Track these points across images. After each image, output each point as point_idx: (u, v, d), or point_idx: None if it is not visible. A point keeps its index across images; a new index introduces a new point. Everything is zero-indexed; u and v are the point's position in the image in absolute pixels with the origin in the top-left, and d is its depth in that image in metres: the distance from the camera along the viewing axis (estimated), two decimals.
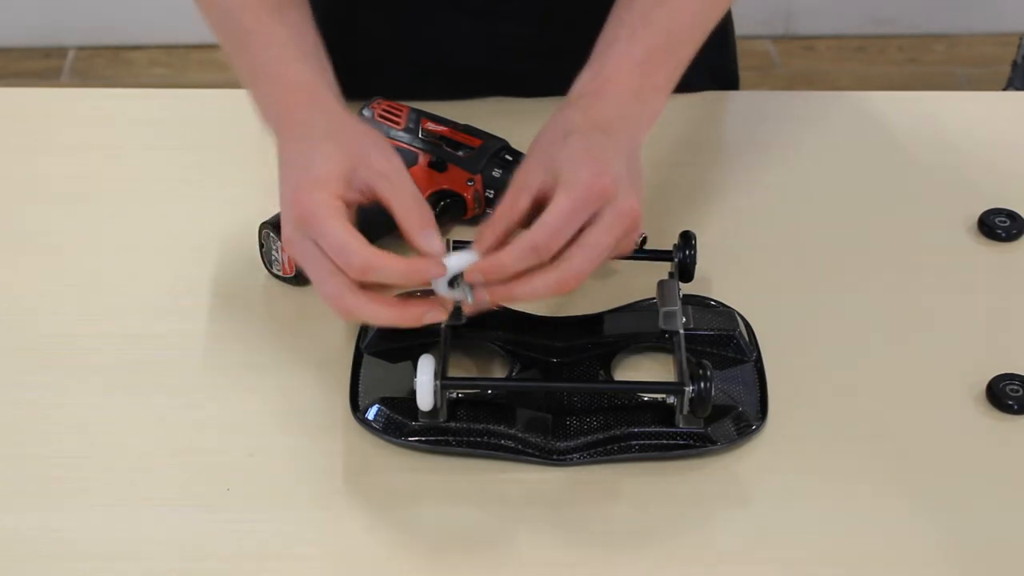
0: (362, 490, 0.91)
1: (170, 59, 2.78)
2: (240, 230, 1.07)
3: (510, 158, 1.07)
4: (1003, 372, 0.97)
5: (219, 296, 1.04)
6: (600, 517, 0.90)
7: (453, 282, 0.89)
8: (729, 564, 0.87)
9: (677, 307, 0.97)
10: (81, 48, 2.80)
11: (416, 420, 0.92)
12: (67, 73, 2.75)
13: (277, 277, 1.05)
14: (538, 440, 0.92)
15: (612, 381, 0.98)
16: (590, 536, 0.88)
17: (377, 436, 0.93)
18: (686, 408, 0.91)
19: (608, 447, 0.92)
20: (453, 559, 0.87)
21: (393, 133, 1.10)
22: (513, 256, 0.87)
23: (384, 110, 1.12)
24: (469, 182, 1.08)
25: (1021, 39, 2.36)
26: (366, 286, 0.88)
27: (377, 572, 0.87)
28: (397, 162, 0.92)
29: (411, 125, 1.11)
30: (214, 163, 1.16)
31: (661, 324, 0.97)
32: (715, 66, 1.28)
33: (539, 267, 0.88)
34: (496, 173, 1.05)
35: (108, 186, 1.15)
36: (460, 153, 1.09)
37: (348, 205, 0.90)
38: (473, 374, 0.99)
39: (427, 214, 0.89)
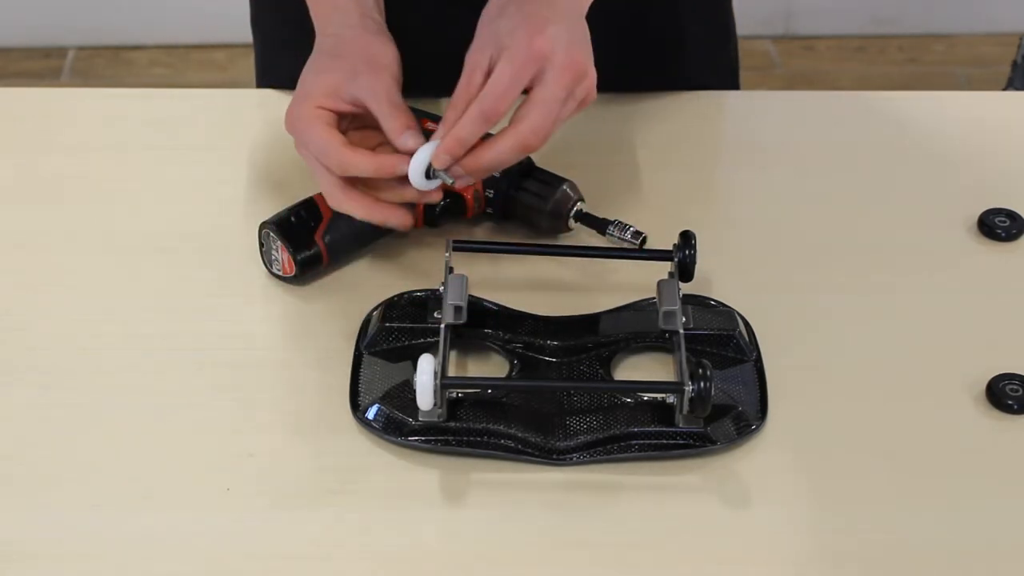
0: (362, 490, 0.91)
1: (170, 59, 2.78)
2: (240, 230, 1.07)
3: None
4: (1003, 372, 0.97)
5: (219, 296, 1.04)
6: (600, 517, 0.90)
7: (429, 174, 0.97)
8: (729, 564, 0.87)
9: (677, 307, 0.97)
10: (81, 48, 2.80)
11: (416, 420, 0.93)
12: (67, 73, 2.75)
13: (277, 277, 1.05)
14: (538, 440, 0.92)
15: (612, 380, 0.98)
16: (590, 536, 0.88)
17: (377, 436, 0.93)
18: (686, 408, 0.91)
19: (608, 447, 0.92)
20: (453, 559, 0.87)
21: None
22: (466, 127, 0.95)
23: None
24: None
25: (1021, 39, 2.36)
26: (359, 185, 0.99)
27: (377, 572, 0.87)
28: (388, 77, 1.00)
29: None
30: (214, 163, 1.16)
31: (661, 324, 0.97)
32: (718, 64, 1.28)
33: (502, 133, 0.96)
34: (496, 173, 1.05)
35: (108, 186, 1.15)
36: None
37: (338, 114, 0.99)
38: (473, 374, 0.99)
39: (407, 117, 0.98)
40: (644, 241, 1.07)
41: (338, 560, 0.87)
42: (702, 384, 0.90)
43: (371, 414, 0.94)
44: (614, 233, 1.07)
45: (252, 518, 0.89)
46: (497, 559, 0.87)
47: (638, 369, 1.00)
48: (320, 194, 1.02)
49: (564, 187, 1.07)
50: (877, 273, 1.07)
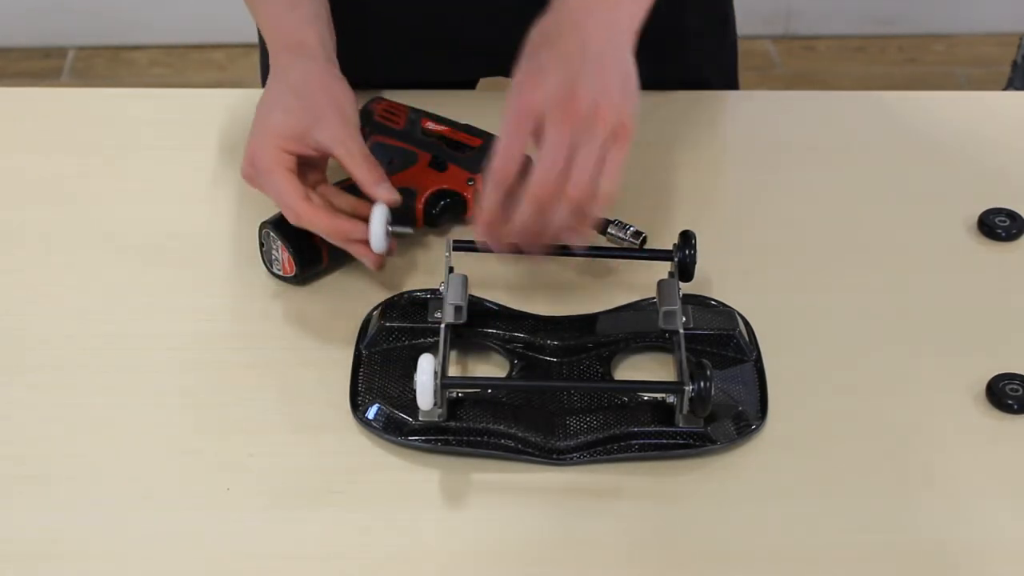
0: (362, 490, 0.91)
1: (170, 59, 2.78)
2: (240, 230, 1.07)
3: None
4: (1003, 372, 0.97)
5: (219, 296, 1.04)
6: (600, 516, 0.90)
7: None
8: (730, 563, 0.87)
9: (677, 306, 0.97)
10: (81, 48, 2.80)
11: (416, 419, 0.93)
12: (67, 73, 2.75)
13: (277, 277, 1.05)
14: (538, 440, 0.92)
15: (612, 380, 0.98)
16: (591, 536, 0.88)
17: (377, 436, 0.93)
18: (686, 407, 0.91)
19: (608, 447, 0.92)
20: (453, 559, 0.87)
21: (393, 132, 1.10)
22: (486, 201, 0.95)
23: (384, 110, 1.12)
24: (469, 182, 1.08)
25: (1021, 39, 2.36)
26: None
27: (377, 572, 0.87)
28: (352, 125, 1.01)
29: (411, 124, 1.11)
30: (214, 163, 1.16)
31: (661, 323, 0.97)
32: (718, 57, 1.28)
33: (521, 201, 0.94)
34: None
35: (108, 186, 1.15)
36: (460, 152, 1.09)
37: (298, 157, 1.00)
38: (473, 374, 0.99)
39: (379, 170, 1.01)
40: (644, 241, 1.07)
41: (338, 560, 0.87)
42: (702, 384, 0.90)
43: (371, 414, 0.94)
44: (614, 233, 1.07)
45: (252, 518, 0.89)
46: (497, 559, 0.87)
47: (638, 369, 1.00)
48: None
49: None
50: (877, 273, 1.07)
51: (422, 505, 0.90)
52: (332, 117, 1.00)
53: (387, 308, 1.01)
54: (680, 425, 0.92)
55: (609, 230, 1.07)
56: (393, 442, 0.92)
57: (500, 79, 1.30)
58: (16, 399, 0.96)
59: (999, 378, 0.97)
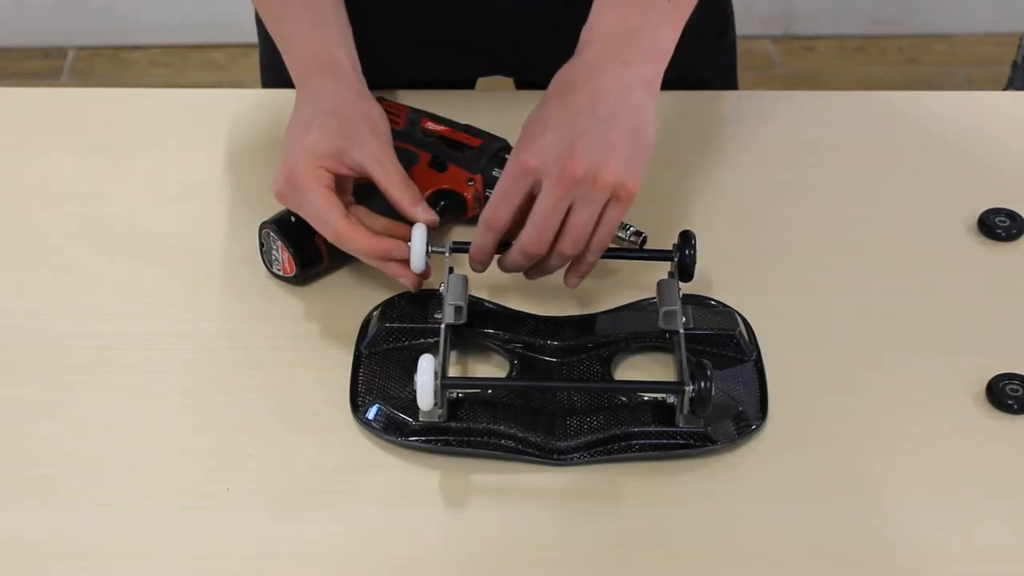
0: (362, 490, 0.91)
1: (170, 59, 2.78)
2: (240, 230, 1.07)
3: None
4: (1003, 372, 0.97)
5: (219, 296, 1.04)
6: (601, 517, 0.90)
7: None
8: (731, 563, 0.87)
9: (677, 307, 0.97)
10: (81, 48, 2.80)
11: (416, 420, 0.92)
12: (67, 73, 2.75)
13: (277, 277, 1.05)
14: (538, 440, 0.92)
15: (613, 381, 0.98)
16: (591, 536, 0.88)
17: (377, 436, 0.93)
18: (686, 408, 0.91)
19: (608, 447, 0.92)
20: (454, 560, 0.87)
21: (393, 133, 1.10)
22: (478, 242, 0.99)
23: (384, 109, 1.12)
24: (469, 182, 1.08)
25: (1021, 39, 2.36)
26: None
27: (377, 572, 0.87)
28: (389, 146, 1.01)
29: (411, 125, 1.11)
30: (214, 163, 1.16)
31: (661, 324, 0.97)
32: (717, 55, 1.28)
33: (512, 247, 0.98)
34: (496, 173, 1.05)
35: (108, 186, 1.15)
36: (460, 152, 1.09)
37: (336, 176, 0.99)
38: (473, 374, 0.99)
39: (416, 191, 1.00)
40: (644, 241, 1.07)
41: (338, 560, 0.87)
42: (703, 384, 0.90)
43: (371, 414, 0.94)
44: (614, 232, 1.07)
45: (252, 518, 0.89)
46: (498, 559, 0.87)
47: (638, 369, 1.00)
48: None
49: None
50: (877, 273, 1.07)
51: (422, 505, 0.90)
52: (368, 137, 0.99)
53: (387, 309, 1.01)
54: (680, 425, 0.92)
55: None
56: (393, 442, 0.92)
57: (500, 78, 1.31)
58: (16, 399, 0.96)
59: (999, 378, 0.97)
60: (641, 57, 0.97)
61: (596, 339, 1.00)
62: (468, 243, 1.00)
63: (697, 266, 1.00)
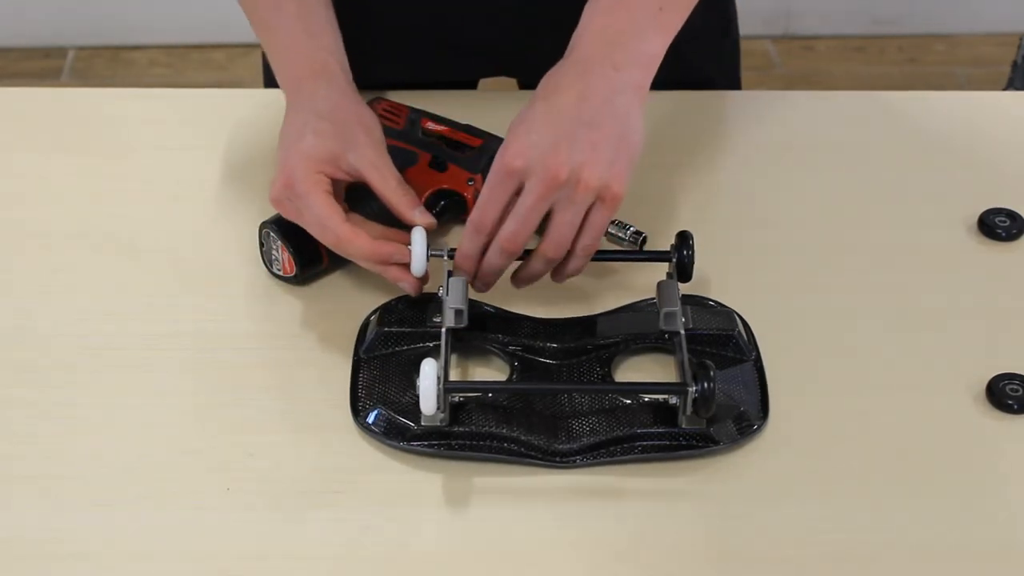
0: (363, 490, 0.91)
1: (170, 59, 2.78)
2: (240, 230, 1.07)
3: None
4: (1003, 372, 0.97)
5: (219, 296, 1.04)
6: (604, 519, 0.89)
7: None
8: (732, 563, 0.87)
9: (677, 307, 0.97)
10: (81, 48, 2.80)
11: (418, 424, 0.92)
12: (67, 73, 2.74)
13: (277, 277, 1.05)
14: (541, 443, 0.92)
15: (615, 382, 0.98)
16: (594, 537, 0.88)
17: (379, 441, 0.93)
18: (689, 408, 0.91)
19: (611, 448, 0.92)
20: (455, 561, 0.87)
21: (393, 133, 1.10)
22: (464, 245, 0.98)
23: (384, 110, 1.12)
24: (469, 181, 1.08)
25: (1021, 39, 2.35)
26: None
27: (377, 572, 0.87)
28: (384, 150, 1.00)
29: (411, 125, 1.11)
30: (214, 163, 1.16)
31: (662, 325, 0.97)
32: (720, 53, 1.28)
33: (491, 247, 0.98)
34: (491, 170, 1.05)
35: (108, 186, 1.15)
36: (460, 152, 1.09)
37: (333, 181, 0.98)
38: (473, 377, 0.99)
39: (413, 195, 1.00)
40: (644, 241, 1.07)
41: (339, 561, 0.87)
42: (705, 385, 0.90)
43: (371, 419, 0.93)
44: (614, 232, 1.07)
45: (252, 518, 0.89)
46: (501, 562, 0.87)
47: (638, 370, 0.99)
48: None
49: None
50: (877, 273, 1.07)
51: (423, 506, 0.90)
52: (364, 140, 0.99)
53: (384, 313, 1.01)
54: (683, 426, 0.92)
55: (609, 230, 1.07)
56: (395, 447, 0.92)
57: (502, 79, 1.30)
58: (16, 399, 0.96)
59: (999, 378, 0.97)
60: (629, 62, 0.98)
61: (596, 341, 1.00)
62: None
63: (696, 266, 1.00)
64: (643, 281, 1.03)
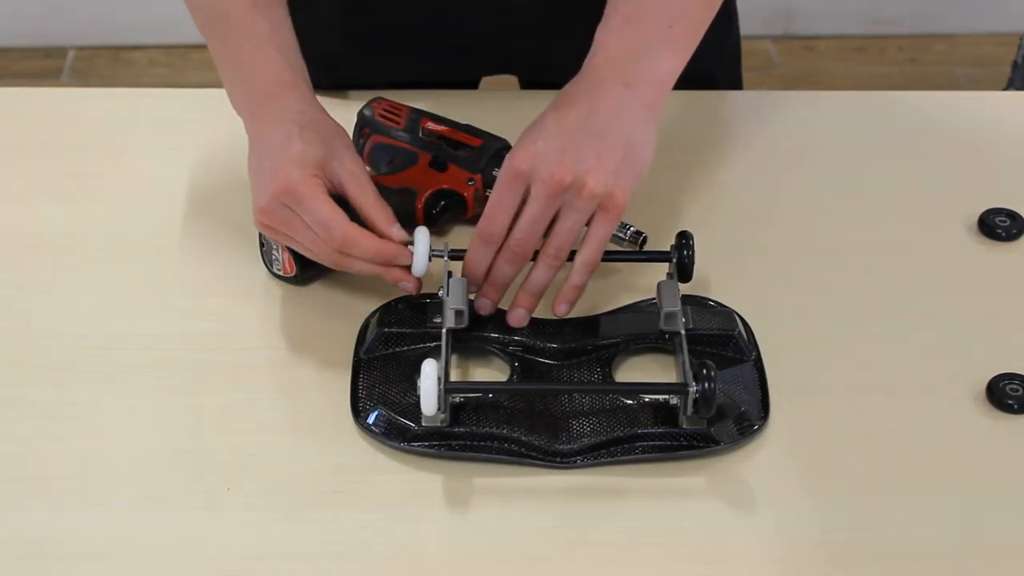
0: (363, 490, 0.91)
1: (170, 59, 2.78)
2: (240, 230, 1.07)
3: None
4: (1003, 372, 0.97)
5: (219, 296, 1.04)
6: (605, 519, 0.89)
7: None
8: (734, 563, 0.87)
9: (678, 308, 0.97)
10: (81, 48, 2.80)
11: (419, 425, 0.92)
12: (67, 73, 2.74)
13: (277, 277, 1.05)
14: (542, 443, 0.92)
15: (616, 383, 0.98)
16: (595, 538, 0.88)
17: (379, 442, 0.93)
18: (690, 409, 0.91)
19: (612, 449, 0.92)
20: (455, 562, 0.87)
21: (393, 133, 1.10)
22: (473, 254, 0.98)
23: (384, 109, 1.12)
24: (469, 181, 1.08)
25: (1021, 39, 2.35)
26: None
27: (377, 572, 0.87)
28: (362, 163, 1.00)
29: (411, 125, 1.11)
30: (214, 163, 1.16)
31: (662, 325, 0.97)
32: (723, 50, 1.28)
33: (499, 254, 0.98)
34: (496, 173, 1.05)
35: (108, 186, 1.15)
36: (460, 152, 1.09)
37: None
38: (473, 378, 0.99)
39: (390, 211, 0.98)
40: (644, 241, 1.07)
41: (338, 560, 0.87)
42: (706, 385, 0.90)
43: (372, 419, 0.93)
44: (614, 232, 1.07)
45: (252, 518, 0.89)
46: (501, 562, 0.87)
47: (639, 370, 0.99)
48: None
49: None
50: (877, 273, 1.07)
51: (424, 506, 0.90)
52: (344, 151, 0.99)
53: (384, 313, 1.01)
54: (683, 426, 0.92)
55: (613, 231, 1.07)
56: (396, 448, 0.92)
57: (504, 78, 1.30)
58: (16, 399, 0.96)
59: (999, 378, 0.97)
60: (640, 80, 0.99)
61: (596, 341, 1.00)
62: (466, 250, 1.00)
63: (696, 266, 1.00)
64: (643, 281, 1.03)
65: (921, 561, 0.87)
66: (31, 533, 0.88)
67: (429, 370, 0.89)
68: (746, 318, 1.01)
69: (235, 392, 0.97)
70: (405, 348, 0.98)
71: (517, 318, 0.99)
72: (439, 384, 0.90)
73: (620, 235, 1.07)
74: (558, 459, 0.92)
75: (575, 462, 0.92)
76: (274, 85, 1.01)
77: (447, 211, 1.07)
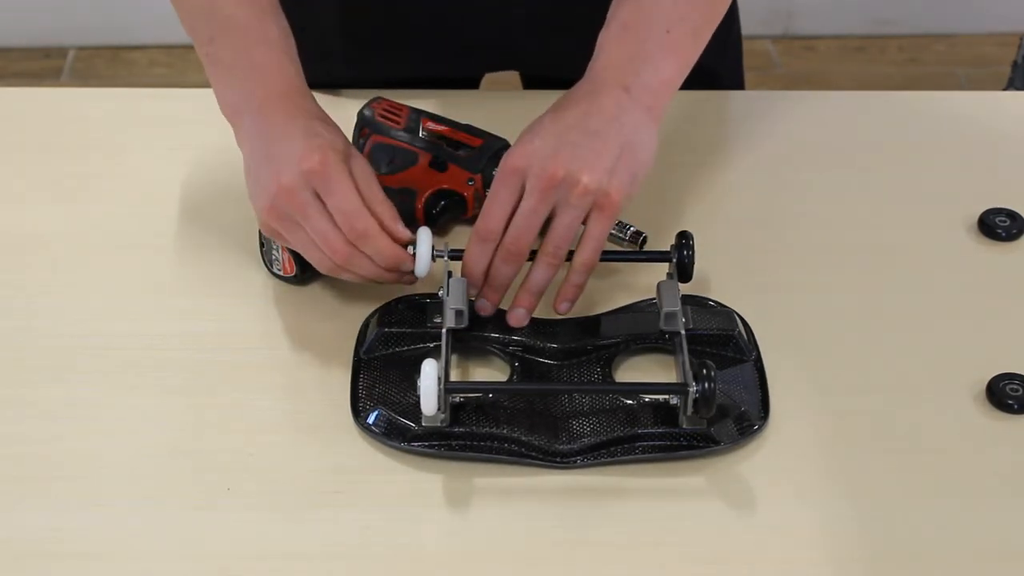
0: (363, 490, 0.91)
1: (170, 59, 2.78)
2: (240, 230, 1.07)
3: None
4: (1003, 372, 0.97)
5: (219, 296, 1.04)
6: (605, 519, 0.89)
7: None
8: (734, 563, 0.87)
9: (678, 308, 0.97)
10: (81, 48, 2.80)
11: (419, 425, 0.92)
12: (67, 73, 2.74)
13: (277, 277, 1.05)
14: (542, 443, 0.92)
15: (616, 383, 0.98)
16: (595, 538, 0.88)
17: (379, 442, 0.93)
18: (690, 409, 0.91)
19: (612, 449, 0.92)
20: (455, 562, 0.87)
21: (393, 133, 1.10)
22: (471, 256, 0.98)
23: (385, 109, 1.12)
24: (469, 181, 1.08)
25: (1021, 39, 2.35)
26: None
27: (377, 572, 0.87)
28: (370, 165, 0.99)
29: (411, 125, 1.11)
30: (214, 163, 1.16)
31: (662, 325, 0.97)
32: (726, 47, 1.28)
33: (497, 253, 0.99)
34: (496, 172, 1.05)
35: (108, 186, 1.15)
36: (460, 152, 1.09)
37: None
38: (473, 378, 0.99)
39: (395, 209, 0.97)
40: (644, 241, 1.07)
41: (338, 560, 0.87)
42: (706, 385, 0.90)
43: (372, 419, 0.93)
44: (614, 232, 1.07)
45: (252, 518, 0.89)
46: (501, 562, 0.87)
47: (638, 370, 0.99)
48: None
49: None
50: (877, 273, 1.07)
51: (424, 506, 0.90)
52: (355, 152, 0.98)
53: (384, 313, 1.01)
54: (683, 426, 0.92)
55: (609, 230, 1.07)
56: (396, 448, 0.92)
57: (505, 75, 1.30)
58: (16, 399, 0.96)
59: (999, 378, 0.97)
60: (640, 84, 0.99)
61: (596, 341, 1.00)
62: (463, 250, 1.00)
63: (696, 266, 1.00)
64: (643, 281, 1.03)
65: (921, 561, 0.87)
66: (31, 533, 0.88)
67: (429, 370, 0.89)
68: (746, 318, 1.01)
69: (235, 392, 0.97)
70: (405, 348, 0.98)
71: (517, 318, 0.99)
72: (439, 384, 0.90)
73: (620, 235, 1.07)
74: (558, 459, 0.92)
75: (575, 462, 0.92)
76: (287, 86, 1.01)
77: (447, 211, 1.07)
